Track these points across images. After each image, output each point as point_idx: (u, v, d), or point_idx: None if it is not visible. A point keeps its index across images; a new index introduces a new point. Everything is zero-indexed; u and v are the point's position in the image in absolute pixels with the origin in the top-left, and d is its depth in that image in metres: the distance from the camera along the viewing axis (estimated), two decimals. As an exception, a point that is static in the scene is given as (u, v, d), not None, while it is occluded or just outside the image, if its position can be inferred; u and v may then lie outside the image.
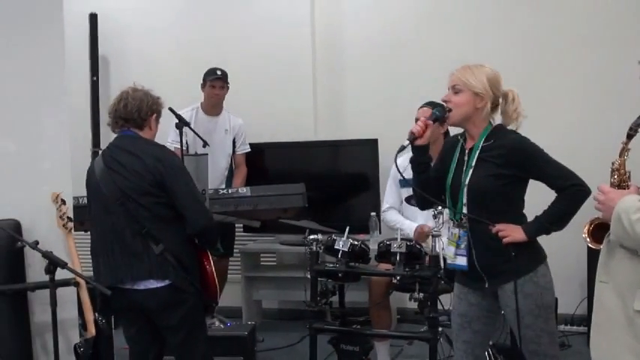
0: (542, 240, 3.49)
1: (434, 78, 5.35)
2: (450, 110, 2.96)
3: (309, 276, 3.79)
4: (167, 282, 3.11)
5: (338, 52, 5.78)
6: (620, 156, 2.34)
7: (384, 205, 4.68)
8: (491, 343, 3.94)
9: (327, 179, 5.52)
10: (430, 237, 3.52)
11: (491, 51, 5.36)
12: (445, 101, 3.00)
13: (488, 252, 2.92)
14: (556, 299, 4.72)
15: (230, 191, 4.59)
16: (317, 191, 4.78)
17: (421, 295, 3.59)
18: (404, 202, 4.44)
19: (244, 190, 4.55)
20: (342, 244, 3.70)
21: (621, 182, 2.32)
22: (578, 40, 5.27)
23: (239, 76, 5.45)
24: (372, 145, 5.35)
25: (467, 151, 2.99)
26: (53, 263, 3.15)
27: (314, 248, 3.76)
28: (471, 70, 2.94)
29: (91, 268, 3.31)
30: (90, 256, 3.29)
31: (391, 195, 4.63)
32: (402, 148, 3.03)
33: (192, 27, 5.94)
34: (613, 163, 2.35)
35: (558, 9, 5.35)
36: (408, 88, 5.49)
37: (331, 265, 3.76)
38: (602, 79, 5.14)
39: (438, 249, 3.48)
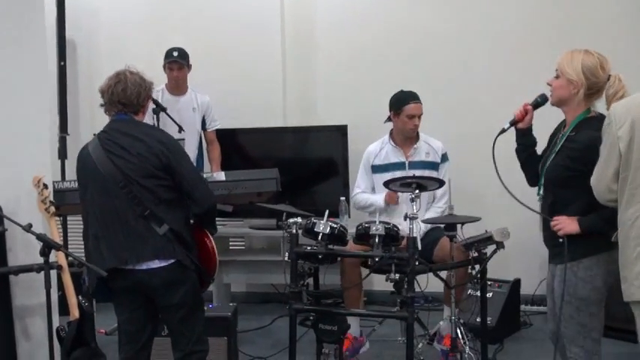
0: (506, 222, 3.73)
1: (403, 66, 5.58)
2: (550, 96, 3.17)
3: (287, 258, 3.87)
4: (171, 261, 3.18)
5: (308, 38, 5.86)
6: None
7: (355, 190, 4.82)
8: (462, 321, 4.13)
9: (296, 165, 5.60)
10: (407, 219, 3.64)
11: (459, 39, 5.54)
12: (549, 84, 3.18)
13: (549, 234, 3.13)
14: (518, 280, 5.01)
15: (205, 176, 4.63)
16: (287, 176, 4.86)
17: (397, 275, 3.72)
18: (377, 186, 4.60)
19: (219, 175, 4.61)
20: (322, 226, 3.79)
21: None
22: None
23: (209, 61, 5.50)
24: (341, 131, 5.47)
25: (560, 137, 3.16)
26: (48, 246, 3.17)
27: (294, 231, 3.84)
28: (571, 57, 3.09)
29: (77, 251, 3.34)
30: (77, 239, 3.32)
31: (362, 180, 4.77)
32: (503, 131, 3.25)
33: (162, 11, 5.95)
34: None
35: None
36: (377, 75, 5.62)
37: (311, 248, 3.85)
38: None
39: (415, 231, 3.63)
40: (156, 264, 3.17)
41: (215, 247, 3.43)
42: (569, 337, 3.09)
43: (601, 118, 2.97)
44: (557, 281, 3.09)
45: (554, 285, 3.13)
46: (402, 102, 4.57)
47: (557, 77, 3.13)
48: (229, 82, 5.74)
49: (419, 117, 4.58)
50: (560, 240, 3.02)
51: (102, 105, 3.35)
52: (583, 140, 3.00)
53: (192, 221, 3.36)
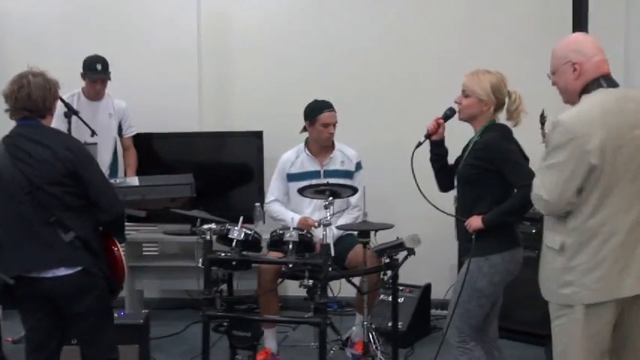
0: (417, 229, 3.86)
1: (319, 75, 5.64)
2: (458, 110, 3.46)
3: (200, 265, 3.86)
4: (78, 268, 3.11)
5: (224, 43, 5.85)
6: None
7: (269, 198, 4.83)
8: (373, 326, 4.21)
9: (211, 170, 5.57)
10: (321, 226, 3.69)
11: (375, 49, 5.63)
12: (457, 102, 3.43)
13: (461, 231, 3.42)
14: (429, 285, 5.13)
15: (118, 181, 4.56)
16: (202, 181, 4.83)
17: (310, 282, 3.76)
18: (291, 194, 4.63)
19: (133, 180, 4.55)
20: (236, 233, 3.80)
21: None
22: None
23: (124, 65, 5.40)
24: (256, 137, 5.48)
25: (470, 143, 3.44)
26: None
27: (207, 237, 3.83)
28: (477, 77, 3.38)
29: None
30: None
31: (276, 188, 4.79)
32: (419, 144, 3.52)
33: (75, 15, 5.81)
34: None
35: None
36: (293, 82, 5.65)
37: (224, 254, 3.85)
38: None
39: (328, 238, 3.68)
40: (62, 272, 3.10)
41: (123, 255, 3.37)
42: (454, 320, 3.38)
43: (501, 125, 3.42)
44: (461, 271, 3.38)
45: (459, 274, 3.41)
46: (317, 111, 4.62)
47: (466, 96, 3.41)
48: (144, 87, 5.65)
49: (333, 125, 4.63)
50: (473, 237, 3.28)
51: (7, 110, 3.24)
52: (485, 141, 3.33)
53: (100, 228, 3.31)
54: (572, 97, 2.83)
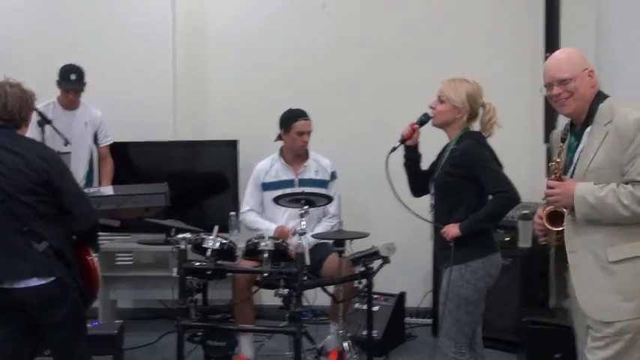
0: (392, 237, 3.89)
1: (294, 83, 5.65)
2: (433, 116, 3.48)
3: (175, 274, 3.85)
4: (51, 278, 3.09)
5: (199, 52, 5.84)
6: (558, 156, 2.86)
7: (244, 207, 4.83)
8: (348, 335, 4.22)
9: (186, 179, 5.56)
10: (296, 235, 3.70)
11: (349, 58, 5.66)
12: (432, 107, 3.45)
13: (438, 239, 3.44)
14: (403, 293, 5.16)
15: (92, 190, 4.54)
16: (177, 191, 4.82)
17: (286, 290, 3.77)
18: (266, 203, 4.64)
19: (107, 190, 4.53)
20: (211, 242, 3.80)
21: (560, 178, 2.84)
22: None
23: (99, 73, 5.37)
24: (231, 146, 5.48)
25: (446, 150, 3.47)
26: None
27: (182, 246, 3.82)
28: (454, 85, 3.43)
29: None
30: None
31: (252, 197, 4.80)
32: (394, 149, 3.54)
33: (47, 22, 5.77)
34: (551, 165, 2.88)
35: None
36: (268, 91, 5.66)
37: (199, 263, 3.84)
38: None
39: (303, 246, 3.70)
40: (35, 282, 3.07)
41: (97, 265, 3.36)
42: (444, 331, 3.40)
43: (476, 132, 3.48)
44: (444, 281, 3.40)
45: (442, 284, 3.42)
46: (291, 119, 4.64)
47: (441, 102, 3.44)
48: (119, 96, 5.62)
49: (308, 134, 4.65)
50: (451, 244, 3.31)
51: None
52: (461, 148, 3.36)
53: (74, 238, 3.29)
54: (584, 105, 2.85)
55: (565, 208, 2.81)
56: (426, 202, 3.62)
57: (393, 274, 4.32)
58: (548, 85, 2.89)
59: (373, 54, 5.65)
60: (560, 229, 2.84)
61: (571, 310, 3.04)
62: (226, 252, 3.86)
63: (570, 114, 2.89)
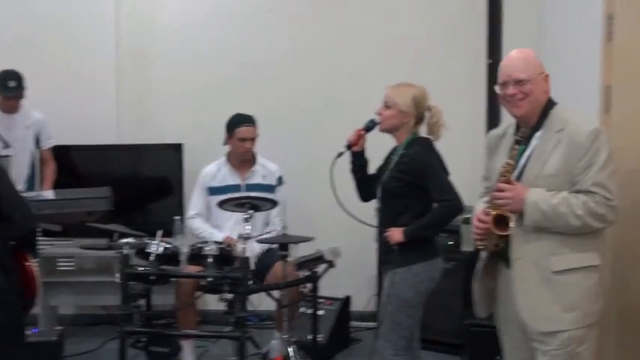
0: (337, 241, 3.92)
1: (242, 88, 5.62)
2: (380, 121, 3.50)
3: (117, 280, 3.80)
4: None
5: (144, 55, 5.75)
6: (511, 159, 2.79)
7: (191, 212, 4.80)
8: (293, 340, 4.21)
9: (131, 183, 5.48)
10: (241, 240, 3.69)
11: (297, 64, 5.65)
12: (378, 113, 3.47)
13: (382, 243, 3.48)
14: (349, 297, 5.18)
15: (32, 194, 4.46)
16: (121, 195, 4.76)
17: (230, 295, 3.75)
18: (212, 207, 4.60)
19: (48, 194, 4.45)
20: (154, 247, 3.77)
21: (509, 181, 2.77)
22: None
23: (40, 75, 5.27)
24: (176, 149, 5.43)
25: (394, 154, 3.50)
26: None
27: (125, 252, 3.77)
28: (399, 90, 3.45)
29: None
30: None
31: (198, 202, 4.76)
32: (340, 154, 3.58)
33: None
34: (502, 166, 2.79)
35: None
36: (215, 95, 5.61)
37: (143, 269, 3.80)
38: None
39: (247, 251, 3.68)
40: None
41: (36, 270, 3.28)
42: (382, 332, 3.43)
43: (424, 137, 3.51)
44: (386, 284, 3.44)
45: (384, 287, 3.47)
46: (235, 125, 4.62)
47: (387, 107, 3.46)
48: (61, 98, 5.50)
49: (251, 140, 4.63)
50: (395, 248, 3.35)
51: None
52: (410, 154, 3.40)
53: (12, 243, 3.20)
54: (535, 109, 2.80)
55: (513, 212, 2.74)
56: (371, 205, 3.66)
57: (338, 278, 4.34)
58: (504, 84, 2.83)
59: (319, 59, 5.65)
60: (506, 233, 2.76)
61: (498, 317, 3.03)
62: (170, 257, 3.83)
63: (521, 116, 2.83)
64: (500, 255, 2.87)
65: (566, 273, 2.72)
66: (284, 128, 5.54)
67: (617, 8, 3.08)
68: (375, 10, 5.64)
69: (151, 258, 3.75)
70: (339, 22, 5.67)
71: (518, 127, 2.88)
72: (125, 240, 3.79)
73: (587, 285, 2.76)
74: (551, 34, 4.69)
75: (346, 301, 5.19)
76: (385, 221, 3.47)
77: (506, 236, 2.78)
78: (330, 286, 4.63)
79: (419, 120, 3.50)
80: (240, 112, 4.71)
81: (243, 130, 4.60)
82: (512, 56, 2.88)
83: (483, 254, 2.97)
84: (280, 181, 4.79)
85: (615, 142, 3.09)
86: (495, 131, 3.12)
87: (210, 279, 3.72)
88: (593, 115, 3.34)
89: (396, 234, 3.36)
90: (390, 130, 3.51)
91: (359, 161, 3.64)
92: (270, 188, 4.69)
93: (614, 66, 3.14)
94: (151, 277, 3.76)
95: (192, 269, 4.06)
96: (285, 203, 4.68)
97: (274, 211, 4.55)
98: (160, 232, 3.83)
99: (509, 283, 2.83)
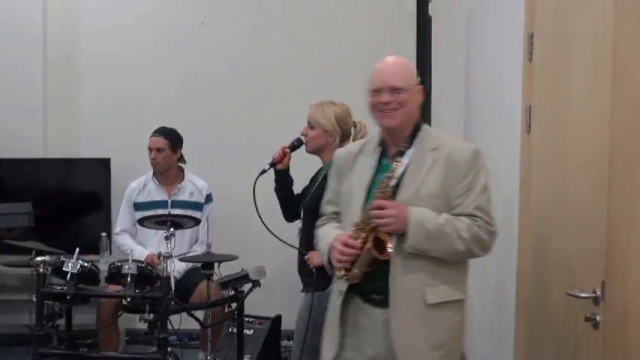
0: (264, 260, 3.86)
1: (169, 100, 5.52)
2: (305, 142, 3.48)
3: (34, 299, 3.67)
4: None
5: (70, 67, 5.60)
6: (393, 172, 2.50)
7: (117, 228, 4.70)
8: (217, 360, 4.12)
9: (57, 198, 5.37)
10: (162, 259, 3.60)
11: (227, 81, 5.58)
12: (303, 134, 3.43)
13: (302, 265, 3.41)
14: (280, 316, 5.10)
15: (-50, 210, 4.30)
16: (47, 210, 4.64)
17: (151, 315, 3.65)
18: (137, 224, 4.49)
19: (-36, 209, 4.29)
20: (71, 265, 3.65)
21: (386, 197, 2.50)
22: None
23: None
24: (104, 164, 5.32)
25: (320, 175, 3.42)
26: None
27: (41, 270, 3.65)
28: (322, 109, 3.40)
29: None
30: None
31: (124, 218, 4.67)
32: (263, 172, 3.50)
33: None
34: (381, 182, 2.52)
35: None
36: (142, 108, 5.51)
37: (59, 288, 3.67)
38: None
39: (169, 270, 3.59)
40: None
41: None
42: (296, 357, 3.41)
43: None
44: (304, 306, 3.40)
45: (301, 309, 3.43)
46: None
47: (312, 128, 3.43)
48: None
49: (158, 150, 4.57)
50: (314, 270, 3.27)
51: None
52: None
53: None
54: (408, 123, 2.58)
55: (393, 233, 2.47)
56: (297, 225, 3.60)
57: (269, 297, 4.28)
58: (377, 91, 2.58)
59: (249, 73, 5.58)
60: (386, 258, 2.47)
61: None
62: (88, 275, 3.72)
63: (393, 128, 2.58)
64: (361, 285, 2.58)
65: (437, 307, 2.51)
66: (212, 143, 5.46)
67: (537, 27, 3.09)
68: (308, 25, 5.60)
69: (68, 277, 3.63)
70: (271, 35, 5.61)
71: (382, 143, 2.67)
72: (41, 258, 3.67)
73: (456, 320, 2.59)
74: (479, 55, 4.72)
75: (277, 320, 5.10)
76: (307, 242, 3.36)
77: (379, 263, 2.50)
78: (261, 305, 4.57)
79: (345, 137, 3.45)
80: (167, 126, 4.63)
81: (150, 141, 4.57)
82: (389, 62, 2.64)
83: (341, 286, 2.64)
84: (209, 198, 4.71)
85: (535, 163, 3.12)
86: (346, 149, 2.87)
87: (130, 299, 3.61)
88: (516, 135, 3.35)
89: (315, 257, 3.22)
90: (317, 151, 3.48)
91: (283, 180, 3.59)
92: (197, 206, 4.61)
93: (534, 86, 3.14)
94: (68, 297, 3.63)
95: (113, 288, 3.95)
96: (213, 221, 4.59)
97: (200, 230, 4.47)
98: (77, 250, 3.71)
99: (381, 320, 2.56)
